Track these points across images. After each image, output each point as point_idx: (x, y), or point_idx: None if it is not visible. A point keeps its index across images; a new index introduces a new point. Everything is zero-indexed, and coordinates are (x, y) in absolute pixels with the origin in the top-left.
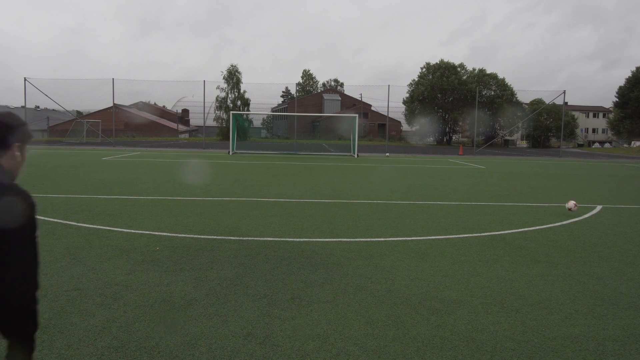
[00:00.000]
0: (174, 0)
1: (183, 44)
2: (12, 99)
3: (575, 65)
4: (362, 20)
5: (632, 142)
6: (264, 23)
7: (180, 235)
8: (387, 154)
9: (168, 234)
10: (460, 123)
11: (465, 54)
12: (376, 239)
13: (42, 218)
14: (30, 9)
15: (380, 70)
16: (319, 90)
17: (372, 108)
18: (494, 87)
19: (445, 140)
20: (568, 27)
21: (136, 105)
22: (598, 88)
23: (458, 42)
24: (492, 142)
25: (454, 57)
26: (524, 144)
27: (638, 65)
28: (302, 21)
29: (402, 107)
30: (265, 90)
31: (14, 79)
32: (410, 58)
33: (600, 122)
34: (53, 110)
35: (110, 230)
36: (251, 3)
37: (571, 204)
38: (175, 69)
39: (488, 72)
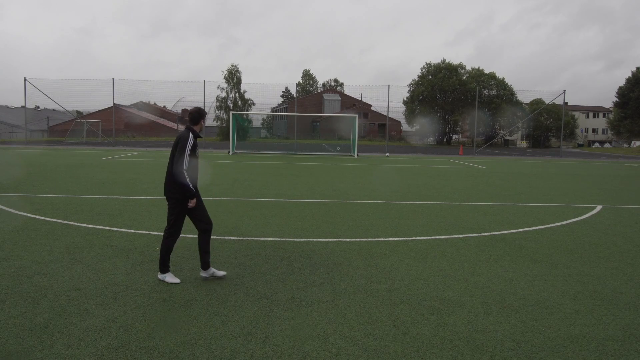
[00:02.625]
0: (184, 0)
1: (190, 44)
2: (14, 99)
3: (579, 66)
4: (368, 21)
5: (632, 142)
6: (271, 23)
7: (180, 235)
8: (388, 153)
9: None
10: (460, 123)
11: (471, 54)
12: (376, 239)
13: (42, 218)
14: (37, 9)
15: (385, 70)
16: (319, 90)
17: (372, 108)
18: (493, 88)
19: (445, 140)
20: (574, 28)
21: (136, 105)
22: (598, 88)
23: (464, 42)
24: (492, 142)
25: (460, 57)
26: (523, 144)
27: (639, 65)
28: (309, 21)
29: (403, 107)
30: (265, 90)
31: (16, 79)
32: (415, 58)
33: (600, 122)
34: (53, 110)
35: (110, 230)
36: (260, 3)
37: None
38: (181, 69)
39: (487, 72)
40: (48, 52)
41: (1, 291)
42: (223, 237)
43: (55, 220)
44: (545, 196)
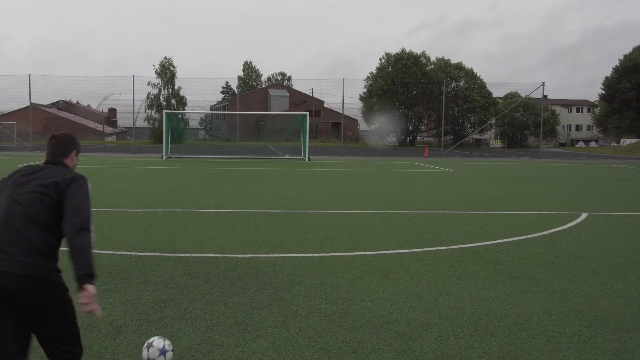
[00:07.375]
0: None
1: (108, 33)
2: None
3: (559, 54)
4: (317, 7)
5: (622, 141)
6: (206, 8)
7: (107, 252)
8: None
9: (93, 252)
10: (425, 120)
11: (432, 42)
12: (331, 254)
13: None
14: None
15: (337, 63)
16: (264, 86)
17: (325, 105)
18: (462, 81)
19: (408, 140)
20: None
21: (56, 105)
22: (582, 80)
23: (429, 31)
24: (461, 142)
25: (422, 47)
26: (498, 143)
27: (626, 53)
28: (248, 6)
29: (359, 104)
30: (203, 85)
31: None
32: (373, 48)
33: (585, 118)
34: None
35: None
36: None
37: None
38: (99, 63)
39: (454, 62)
40: None
41: None
42: (156, 254)
43: None
44: (523, 203)
